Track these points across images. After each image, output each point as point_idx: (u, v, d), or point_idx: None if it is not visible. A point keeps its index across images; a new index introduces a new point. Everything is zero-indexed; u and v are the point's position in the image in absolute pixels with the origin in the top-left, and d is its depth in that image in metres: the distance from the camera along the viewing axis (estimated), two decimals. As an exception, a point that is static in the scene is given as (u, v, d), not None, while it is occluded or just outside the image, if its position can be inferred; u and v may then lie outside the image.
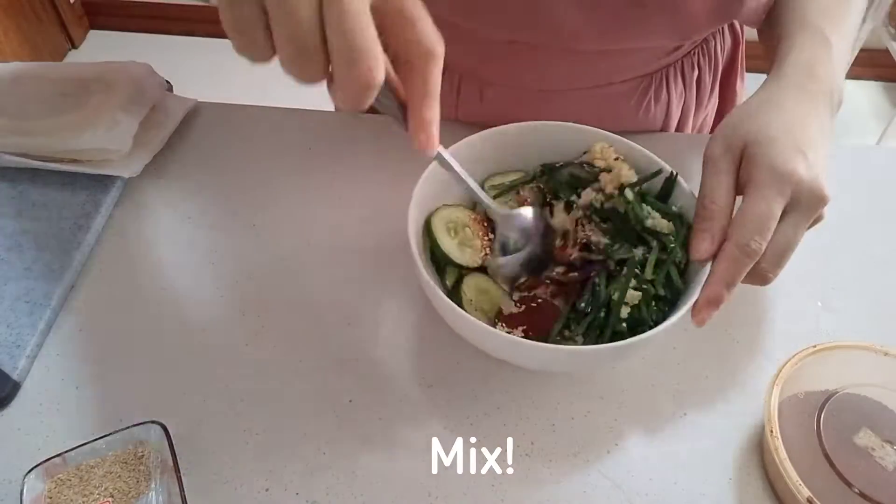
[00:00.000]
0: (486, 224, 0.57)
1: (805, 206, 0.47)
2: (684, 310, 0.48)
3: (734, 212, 0.48)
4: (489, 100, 0.70)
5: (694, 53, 0.72)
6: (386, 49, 0.36)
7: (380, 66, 0.34)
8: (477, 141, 0.57)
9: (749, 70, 0.79)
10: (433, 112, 0.37)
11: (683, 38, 0.66)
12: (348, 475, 0.49)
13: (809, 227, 0.49)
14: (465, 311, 0.48)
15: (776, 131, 0.48)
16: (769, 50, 0.59)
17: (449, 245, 0.54)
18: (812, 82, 0.52)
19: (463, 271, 0.54)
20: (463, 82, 0.70)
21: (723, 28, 0.74)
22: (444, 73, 0.71)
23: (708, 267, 0.48)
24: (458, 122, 0.70)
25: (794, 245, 0.48)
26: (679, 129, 0.76)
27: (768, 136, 0.48)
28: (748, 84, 0.80)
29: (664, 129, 0.74)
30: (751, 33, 0.71)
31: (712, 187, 0.49)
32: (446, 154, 0.44)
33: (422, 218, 0.55)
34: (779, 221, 0.47)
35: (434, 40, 0.36)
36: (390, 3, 0.35)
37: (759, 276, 0.48)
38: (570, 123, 0.58)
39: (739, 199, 0.49)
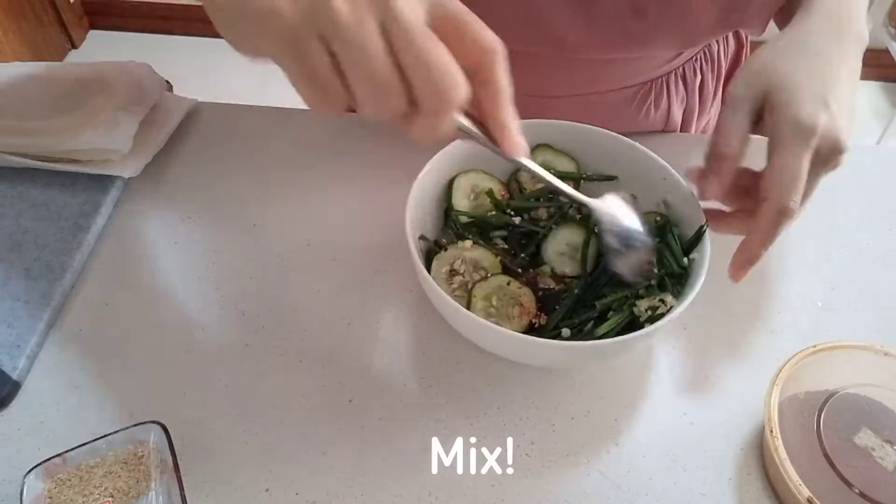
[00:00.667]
0: (509, 196, 0.58)
1: (824, 156, 0.47)
2: (684, 306, 0.48)
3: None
4: None
5: (696, 59, 0.72)
6: None
7: (462, 77, 0.33)
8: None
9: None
10: (511, 115, 0.37)
11: (685, 48, 0.66)
12: (348, 475, 0.49)
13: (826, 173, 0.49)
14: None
15: (801, 78, 0.48)
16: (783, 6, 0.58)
17: (462, 203, 0.56)
18: (840, 23, 0.51)
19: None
20: None
21: (726, 35, 0.74)
22: None
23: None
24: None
25: (811, 193, 0.48)
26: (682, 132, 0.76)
27: (793, 83, 0.47)
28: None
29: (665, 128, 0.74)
30: (754, 37, 0.71)
31: (728, 129, 0.49)
32: (531, 164, 0.43)
33: (441, 182, 0.56)
34: None
35: (493, 38, 0.35)
36: (443, 11, 0.34)
37: (783, 210, 0.47)
38: (574, 123, 0.58)
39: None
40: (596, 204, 0.50)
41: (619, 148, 0.57)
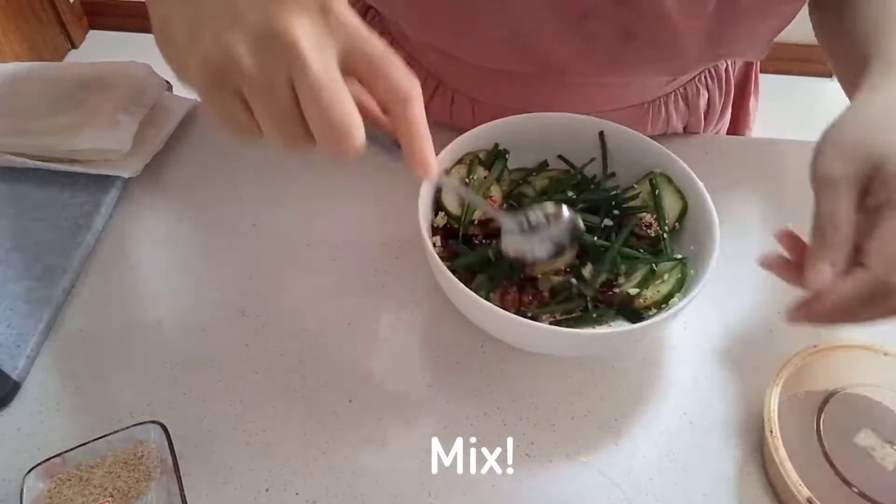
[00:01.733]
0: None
1: None
2: (688, 300, 0.48)
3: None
4: (481, 117, 0.69)
5: (701, 78, 0.70)
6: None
7: (358, 133, 0.35)
8: (480, 133, 0.58)
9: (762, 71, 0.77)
10: (424, 146, 0.38)
11: (676, 75, 0.64)
12: (348, 475, 0.49)
13: None
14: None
15: None
16: (844, 54, 0.55)
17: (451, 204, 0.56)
18: None
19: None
20: (456, 97, 0.70)
21: None
22: (437, 88, 0.70)
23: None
24: (455, 129, 0.70)
25: None
26: None
27: None
28: (760, 98, 0.79)
29: None
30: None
31: (833, 213, 0.42)
32: (444, 178, 0.45)
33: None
34: None
35: (407, 86, 0.36)
36: (358, 56, 0.36)
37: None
38: (573, 114, 0.59)
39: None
40: (504, 217, 0.51)
41: (620, 138, 0.58)
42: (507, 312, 0.46)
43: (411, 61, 0.70)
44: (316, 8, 0.35)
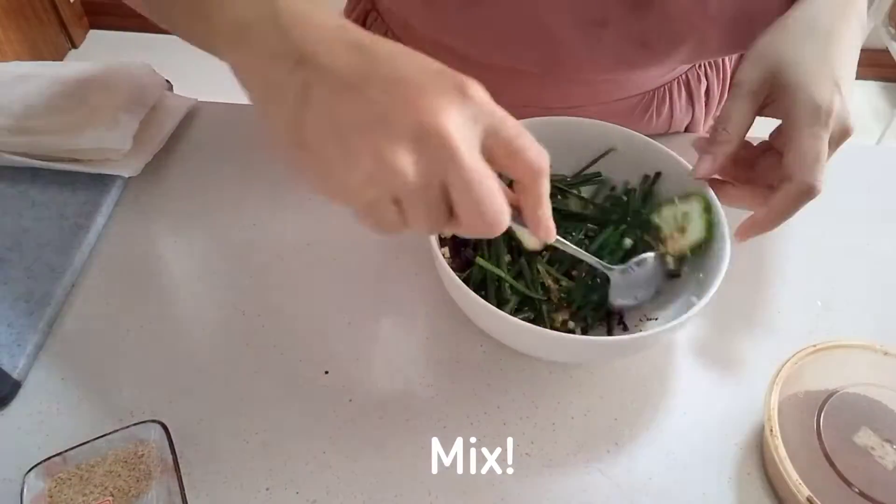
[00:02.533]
0: None
1: (835, 140, 0.47)
2: (697, 308, 0.48)
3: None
4: None
5: (700, 66, 0.71)
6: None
7: (506, 219, 0.36)
8: None
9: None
10: (546, 212, 0.40)
11: (690, 62, 0.65)
12: (348, 475, 0.49)
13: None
14: None
15: (812, 56, 0.48)
16: None
17: None
18: (849, 6, 0.51)
19: None
20: None
21: None
22: None
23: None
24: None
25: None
26: None
27: (805, 63, 0.47)
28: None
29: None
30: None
31: (730, 113, 0.49)
32: (561, 240, 0.47)
33: None
34: None
35: (540, 162, 0.37)
36: (498, 139, 0.36)
37: (812, 188, 0.47)
38: (582, 119, 0.58)
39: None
40: (613, 275, 0.53)
41: (627, 142, 0.58)
42: (528, 325, 0.46)
43: None
44: (457, 95, 0.34)
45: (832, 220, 0.66)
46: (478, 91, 0.35)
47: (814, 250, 0.63)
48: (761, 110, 0.50)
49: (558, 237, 0.46)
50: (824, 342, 0.50)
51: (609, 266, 0.52)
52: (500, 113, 0.36)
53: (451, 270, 0.48)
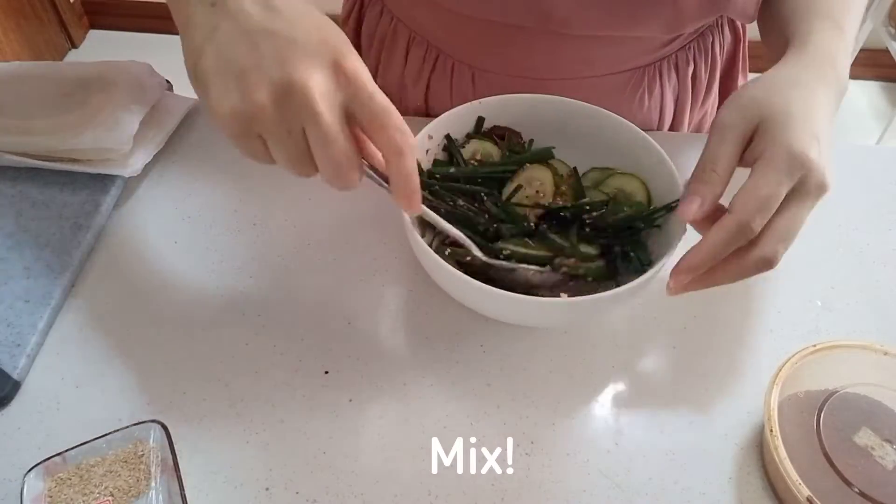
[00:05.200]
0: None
1: (812, 193, 0.47)
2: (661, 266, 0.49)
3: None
4: (481, 87, 0.71)
5: (689, 48, 0.72)
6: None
7: (356, 176, 0.43)
8: (462, 112, 0.59)
9: (752, 70, 0.78)
10: (412, 187, 0.44)
11: (674, 30, 0.65)
12: (348, 475, 0.49)
13: None
14: None
15: (797, 111, 0.48)
16: (773, 38, 0.60)
17: None
18: (832, 71, 0.52)
19: None
20: (456, 67, 0.71)
21: (722, 26, 0.74)
22: (437, 58, 0.73)
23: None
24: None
25: (799, 228, 0.47)
26: (674, 125, 0.76)
27: (789, 114, 0.48)
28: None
29: (659, 124, 0.75)
30: (753, 32, 0.70)
31: (716, 154, 0.48)
32: (428, 212, 0.50)
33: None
34: (782, 203, 0.46)
35: (401, 141, 0.42)
36: (361, 111, 0.41)
37: (765, 259, 0.47)
38: (553, 96, 0.59)
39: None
40: (481, 256, 0.53)
41: (603, 123, 0.59)
42: (486, 286, 0.47)
43: (413, 36, 0.71)
44: (330, 64, 0.40)
45: (832, 220, 0.66)
46: (354, 64, 0.41)
47: (814, 250, 0.63)
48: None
49: (425, 208, 0.48)
50: (824, 342, 0.51)
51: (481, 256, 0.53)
52: (369, 89, 0.41)
53: (421, 240, 0.50)
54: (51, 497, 0.44)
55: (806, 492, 0.44)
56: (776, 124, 0.47)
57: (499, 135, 0.60)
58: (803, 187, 0.46)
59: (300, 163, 0.42)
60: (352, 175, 0.42)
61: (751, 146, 0.48)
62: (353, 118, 0.42)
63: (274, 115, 0.40)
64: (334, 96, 0.41)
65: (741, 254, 0.47)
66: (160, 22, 2.37)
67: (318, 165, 0.42)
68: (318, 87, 0.40)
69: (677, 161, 0.55)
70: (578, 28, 0.63)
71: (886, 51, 2.04)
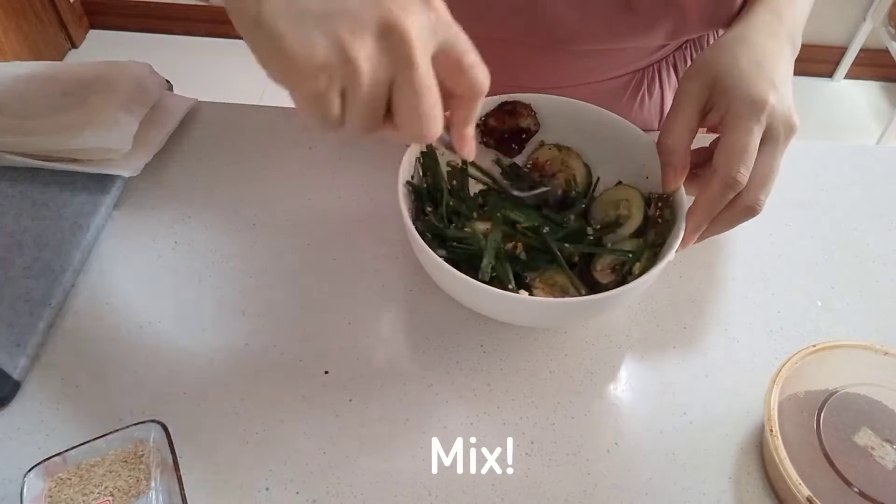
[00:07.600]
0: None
1: (782, 133, 0.49)
2: (664, 263, 0.48)
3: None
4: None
5: (687, 48, 0.72)
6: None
7: (439, 129, 0.38)
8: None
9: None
10: (472, 131, 0.42)
11: (675, 39, 0.66)
12: (348, 475, 0.49)
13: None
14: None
15: (747, 64, 0.50)
16: None
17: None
18: (778, 24, 0.54)
19: None
20: None
21: None
22: None
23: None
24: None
25: (776, 172, 0.50)
26: None
27: (740, 68, 0.50)
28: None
29: (660, 125, 0.75)
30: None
31: (669, 123, 0.52)
32: (476, 164, 0.54)
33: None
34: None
35: (484, 80, 0.39)
36: (451, 53, 0.37)
37: (748, 207, 0.50)
38: (546, 95, 0.59)
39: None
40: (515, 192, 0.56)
41: (587, 116, 0.59)
42: (477, 282, 0.48)
43: None
44: (423, 2, 0.36)
45: (832, 220, 0.66)
46: (440, 4, 0.37)
47: (814, 250, 0.63)
48: (704, 118, 0.52)
49: (473, 162, 0.49)
50: (824, 342, 0.50)
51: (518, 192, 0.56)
52: (456, 27, 0.37)
53: (421, 240, 0.49)
54: (51, 497, 0.44)
55: (806, 492, 0.44)
56: (730, 79, 0.50)
57: (508, 110, 0.60)
58: (772, 132, 0.49)
59: (374, 118, 0.37)
60: (435, 130, 0.37)
61: (714, 108, 0.51)
62: (437, 61, 0.37)
63: (371, 65, 0.34)
64: (431, 38, 0.36)
65: (728, 206, 0.50)
66: (160, 22, 2.37)
67: (399, 118, 0.37)
68: (418, 28, 0.35)
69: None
70: (581, 44, 0.63)
71: (886, 51, 2.04)
